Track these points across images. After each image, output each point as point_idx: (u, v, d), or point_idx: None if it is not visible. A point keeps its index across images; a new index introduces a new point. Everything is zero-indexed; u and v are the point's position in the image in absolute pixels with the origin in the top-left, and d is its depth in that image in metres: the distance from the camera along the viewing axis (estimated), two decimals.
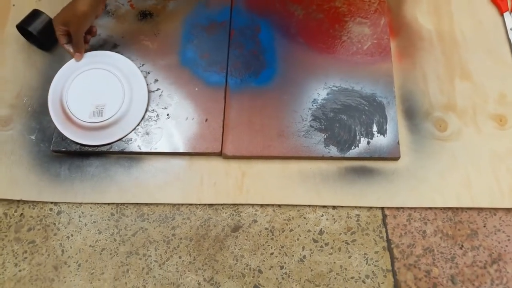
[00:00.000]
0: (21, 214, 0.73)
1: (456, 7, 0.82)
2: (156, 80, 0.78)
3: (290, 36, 0.80)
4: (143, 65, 0.80)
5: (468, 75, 0.76)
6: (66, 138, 0.74)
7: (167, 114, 0.76)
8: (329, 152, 0.71)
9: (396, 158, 0.71)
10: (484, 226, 0.68)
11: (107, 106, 0.73)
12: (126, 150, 0.74)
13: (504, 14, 0.80)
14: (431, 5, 0.83)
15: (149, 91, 0.77)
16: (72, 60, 0.77)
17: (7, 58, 0.84)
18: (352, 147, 0.71)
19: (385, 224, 0.69)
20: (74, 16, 0.71)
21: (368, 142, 0.71)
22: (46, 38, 0.81)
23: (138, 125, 0.75)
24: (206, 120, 0.75)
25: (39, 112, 0.79)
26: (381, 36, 0.79)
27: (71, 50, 0.76)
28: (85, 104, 0.73)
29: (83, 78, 0.75)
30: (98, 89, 0.74)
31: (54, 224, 0.72)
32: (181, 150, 0.73)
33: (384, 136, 0.71)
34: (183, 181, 0.73)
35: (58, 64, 0.82)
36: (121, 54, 0.80)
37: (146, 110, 0.76)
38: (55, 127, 0.75)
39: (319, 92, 0.76)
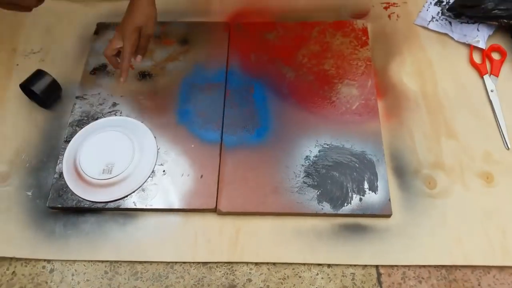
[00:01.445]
0: (13, 272, 0.72)
1: (438, 69, 0.87)
2: (154, 137, 0.81)
3: (282, 96, 0.84)
4: (142, 122, 0.82)
5: (454, 134, 0.80)
6: (63, 194, 0.76)
7: (163, 171, 0.78)
8: (322, 208, 0.72)
9: (388, 215, 0.72)
10: (479, 285, 0.68)
11: (117, 164, 0.76)
12: (122, 206, 0.75)
13: (484, 76, 0.85)
14: (415, 67, 0.88)
15: (158, 152, 0.79)
16: (90, 124, 0.82)
17: (9, 115, 0.86)
18: (345, 204, 0.73)
19: (380, 282, 0.69)
20: (150, 18, 0.73)
21: (360, 199, 0.73)
22: (47, 97, 0.84)
23: (145, 182, 0.76)
24: (201, 176, 0.77)
25: (36, 169, 0.80)
26: (369, 96, 0.83)
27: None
28: (96, 162, 0.76)
29: (98, 139, 0.79)
30: (110, 149, 0.78)
31: (46, 282, 0.71)
32: (176, 207, 0.74)
33: (375, 193, 0.73)
34: (177, 238, 0.73)
35: (58, 122, 0.85)
36: (121, 112, 0.84)
37: (153, 170, 0.77)
38: (53, 183, 0.76)
39: (311, 149, 0.78)
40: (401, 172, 0.77)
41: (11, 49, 0.95)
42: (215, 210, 0.74)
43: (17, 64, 0.93)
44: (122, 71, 0.76)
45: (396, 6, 0.97)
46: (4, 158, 0.81)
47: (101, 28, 0.96)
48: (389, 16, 0.96)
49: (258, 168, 0.77)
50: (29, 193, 0.78)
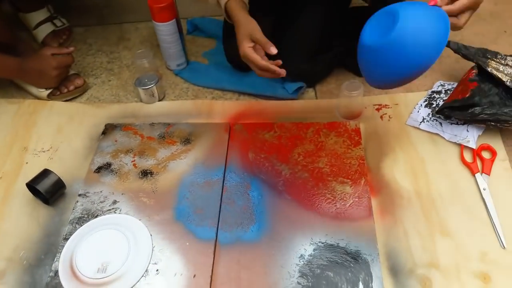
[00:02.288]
0: None
1: (430, 168, 0.89)
2: (150, 235, 0.82)
3: (278, 193, 0.86)
4: (140, 220, 0.84)
5: (448, 233, 0.79)
6: None
7: (157, 270, 0.77)
8: None
9: None
10: None
11: (112, 263, 0.76)
12: None
13: (476, 175, 0.87)
14: (408, 166, 0.90)
15: (153, 251, 0.80)
16: (89, 223, 0.84)
17: (12, 211, 0.89)
18: None
19: None
20: (255, 28, 0.85)
21: None
22: (51, 195, 0.88)
23: (137, 282, 0.76)
24: (194, 276, 0.76)
25: (33, 266, 0.80)
26: (362, 194, 0.84)
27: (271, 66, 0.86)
28: (92, 261, 0.77)
29: (95, 238, 0.80)
30: (106, 248, 0.79)
31: None
32: None
33: None
34: None
35: (59, 218, 0.87)
36: (120, 210, 0.86)
37: (147, 269, 0.77)
38: (47, 282, 0.76)
39: (305, 248, 0.78)
40: (396, 271, 0.75)
41: (23, 147, 1.01)
42: None
43: (27, 162, 0.98)
44: (274, 70, 0.86)
45: (388, 107, 1.03)
46: (3, 255, 0.82)
47: (108, 129, 1.02)
48: (381, 117, 1.01)
49: (252, 267, 0.76)
50: None
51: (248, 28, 0.86)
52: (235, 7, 0.88)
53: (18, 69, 1.07)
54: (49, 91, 1.12)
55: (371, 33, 0.70)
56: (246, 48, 0.86)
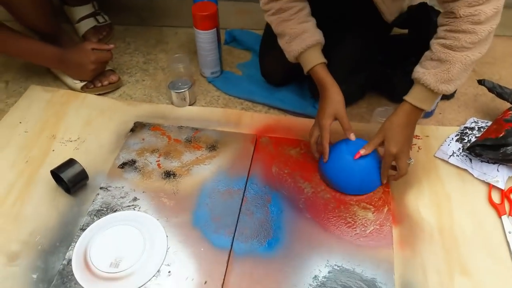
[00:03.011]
0: None
1: (456, 204, 0.87)
2: (166, 237, 0.82)
3: (298, 210, 0.85)
4: (158, 220, 0.84)
5: (468, 273, 0.77)
6: (67, 282, 0.75)
7: (169, 271, 0.77)
8: None
9: None
10: None
11: (125, 259, 0.77)
12: None
13: (502, 217, 0.84)
14: (433, 200, 0.88)
15: (167, 252, 0.80)
16: (107, 216, 0.84)
17: (34, 196, 0.90)
18: None
19: None
20: (340, 104, 0.86)
21: None
22: (74, 185, 0.89)
23: (148, 281, 0.75)
24: (205, 282, 0.75)
25: (47, 252, 0.81)
26: (384, 222, 0.83)
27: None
28: (106, 254, 0.77)
29: (111, 232, 0.81)
30: (121, 243, 0.79)
31: None
32: None
33: None
34: None
35: (78, 208, 0.88)
36: (139, 207, 0.86)
37: (159, 270, 0.77)
38: (60, 270, 0.77)
39: (320, 269, 0.76)
40: None
41: (51, 135, 1.03)
42: None
43: (53, 150, 0.99)
44: (324, 154, 0.88)
45: (419, 138, 1.02)
46: (19, 237, 0.83)
47: (137, 127, 1.04)
48: (410, 147, 0.99)
49: (264, 281, 0.75)
50: (34, 276, 0.78)
51: (337, 103, 0.87)
52: (322, 71, 0.89)
53: (58, 59, 1.10)
54: (83, 83, 1.14)
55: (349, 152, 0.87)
56: (327, 124, 0.86)
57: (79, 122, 1.07)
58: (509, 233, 0.82)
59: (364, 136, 0.94)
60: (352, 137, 0.87)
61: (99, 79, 1.15)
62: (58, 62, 1.11)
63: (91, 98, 1.14)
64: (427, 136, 1.02)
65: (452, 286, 0.75)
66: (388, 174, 0.86)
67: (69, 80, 1.16)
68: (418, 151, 0.99)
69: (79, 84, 1.14)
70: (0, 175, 0.94)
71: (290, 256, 0.78)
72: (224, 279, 0.76)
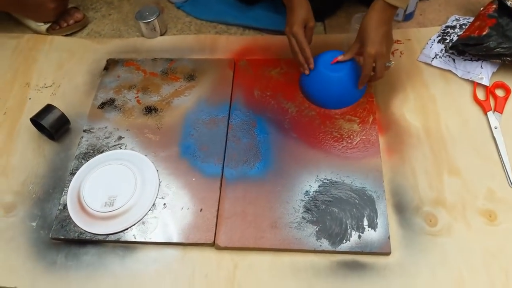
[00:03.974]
0: None
1: (441, 106, 0.87)
2: (157, 171, 0.82)
3: (284, 131, 0.85)
4: (146, 155, 0.84)
5: (456, 171, 0.79)
6: (66, 226, 0.77)
7: (164, 204, 0.78)
8: (320, 245, 0.71)
9: (387, 253, 0.71)
10: None
11: (119, 197, 0.77)
12: (122, 239, 0.75)
13: (488, 113, 0.85)
14: (418, 104, 0.88)
15: (159, 185, 0.80)
16: (95, 158, 0.84)
17: (18, 147, 0.89)
18: (344, 241, 0.71)
19: None
20: (309, 11, 0.83)
21: (359, 236, 0.72)
22: (56, 131, 0.87)
23: (145, 215, 0.77)
24: (201, 210, 0.77)
25: (42, 200, 0.82)
26: (370, 132, 0.83)
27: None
28: (99, 195, 0.78)
29: (101, 172, 0.81)
30: (113, 182, 0.79)
31: None
32: (174, 240, 0.74)
33: (374, 230, 0.72)
34: (175, 273, 0.73)
35: (65, 154, 0.87)
36: (125, 146, 0.85)
37: (154, 203, 0.78)
38: (57, 215, 0.78)
39: (311, 184, 0.78)
40: (402, 209, 0.76)
41: (25, 83, 0.99)
42: (213, 245, 0.74)
43: (30, 98, 0.96)
44: (308, 62, 0.86)
45: (400, 43, 0.99)
46: (12, 188, 0.83)
47: (110, 64, 1.00)
48: (392, 52, 0.97)
49: (257, 202, 0.77)
50: (34, 224, 0.79)
51: (307, 12, 0.83)
52: None
53: (14, 1, 1.03)
54: (48, 25, 1.08)
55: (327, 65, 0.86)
56: (299, 29, 0.83)
57: (51, 66, 1.02)
58: (495, 128, 0.82)
59: (343, 47, 0.91)
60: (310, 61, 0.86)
61: (63, 19, 1.09)
62: (15, 5, 1.04)
63: (58, 40, 1.08)
64: (409, 39, 0.99)
65: (441, 185, 0.77)
66: (367, 80, 0.83)
67: (32, 23, 1.09)
68: (400, 56, 0.97)
69: (43, 27, 1.08)
70: None
71: (280, 176, 0.79)
72: (218, 205, 0.77)
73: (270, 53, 0.99)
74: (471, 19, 0.97)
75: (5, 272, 0.74)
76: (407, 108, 0.88)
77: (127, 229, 0.76)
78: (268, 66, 0.95)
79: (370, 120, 0.85)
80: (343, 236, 0.72)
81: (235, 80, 0.94)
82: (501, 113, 0.84)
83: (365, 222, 0.73)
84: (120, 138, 0.87)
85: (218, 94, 0.92)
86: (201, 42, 1.04)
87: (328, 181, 0.78)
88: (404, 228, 0.73)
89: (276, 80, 0.93)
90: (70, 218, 0.78)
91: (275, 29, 1.05)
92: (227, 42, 1.03)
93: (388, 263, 0.70)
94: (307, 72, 0.86)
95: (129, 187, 0.79)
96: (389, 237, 0.71)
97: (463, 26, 0.97)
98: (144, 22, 1.03)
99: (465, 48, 0.90)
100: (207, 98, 0.91)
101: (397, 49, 0.98)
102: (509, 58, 0.86)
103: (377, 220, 0.73)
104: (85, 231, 0.76)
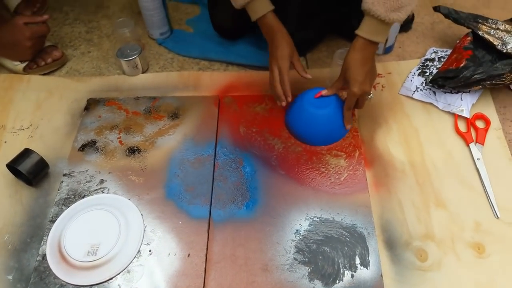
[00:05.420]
0: None
1: (424, 138, 0.88)
2: (141, 215, 0.79)
3: (271, 168, 0.84)
4: (129, 199, 0.81)
5: (443, 203, 0.79)
6: (45, 278, 0.73)
7: (149, 250, 0.75)
8: (314, 287, 0.70)
9: None
10: None
11: (102, 245, 0.74)
12: None
13: (470, 145, 0.86)
14: (401, 137, 0.89)
15: (144, 231, 0.78)
16: (76, 204, 0.81)
17: None
18: (337, 281, 0.70)
19: None
20: (291, 44, 0.84)
21: (352, 276, 0.70)
22: (34, 176, 0.84)
23: (130, 263, 0.74)
24: (189, 255, 0.74)
25: (19, 250, 0.78)
26: (357, 167, 0.83)
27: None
28: (81, 243, 0.75)
29: (83, 219, 0.78)
30: (96, 229, 0.76)
31: None
32: None
33: (367, 268, 0.71)
34: None
35: (44, 199, 0.84)
36: (108, 189, 0.83)
37: (139, 250, 0.75)
38: (35, 266, 0.74)
39: (301, 223, 0.77)
40: (392, 244, 0.75)
41: (0, 125, 0.96)
42: None
43: (5, 142, 0.93)
44: (286, 94, 0.84)
45: (381, 76, 1.00)
46: None
47: (91, 104, 0.97)
48: (374, 86, 0.98)
49: (247, 244, 0.75)
50: (10, 277, 0.75)
51: (291, 45, 0.85)
52: (272, 18, 0.85)
53: None
54: (24, 64, 1.06)
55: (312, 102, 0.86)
56: (286, 62, 0.84)
57: (28, 107, 0.99)
58: (478, 159, 0.84)
59: (326, 82, 0.92)
60: (309, 76, 0.85)
61: (41, 57, 1.07)
62: None
63: (36, 79, 1.06)
64: (389, 73, 1.01)
65: (429, 218, 0.78)
66: (350, 116, 0.84)
67: (8, 62, 1.06)
68: (382, 89, 0.98)
69: (20, 66, 1.06)
70: None
71: (270, 215, 0.78)
72: (207, 249, 0.75)
73: (254, 89, 1.00)
74: (449, 52, 1.00)
75: None
76: (391, 141, 0.88)
77: (111, 278, 0.73)
78: (253, 102, 0.95)
79: (356, 154, 0.85)
80: (336, 276, 0.71)
81: (220, 117, 0.93)
82: (483, 144, 0.86)
83: (357, 261, 0.72)
84: (102, 181, 0.84)
85: (203, 132, 0.91)
86: (185, 79, 1.04)
87: (318, 219, 0.77)
88: (396, 264, 0.73)
89: (262, 116, 0.93)
90: (50, 269, 0.74)
91: (259, 65, 1.05)
92: (211, 79, 1.03)
93: None
94: (284, 103, 0.85)
95: (112, 234, 0.76)
96: (381, 275, 0.70)
97: (442, 59, 1.00)
98: (125, 60, 1.01)
99: (444, 82, 0.92)
100: (192, 136, 0.90)
101: (379, 83, 0.99)
102: (488, 82, 0.88)
103: (369, 257, 0.72)
104: (67, 283, 0.72)
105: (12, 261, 0.77)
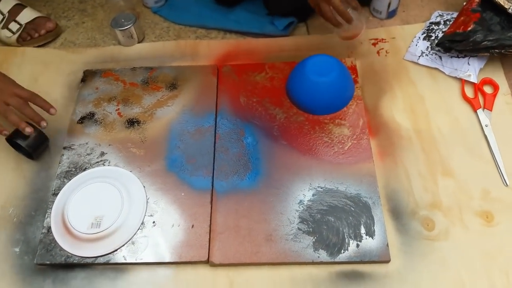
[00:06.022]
0: None
1: (430, 105, 0.86)
2: (143, 187, 0.79)
3: (273, 139, 0.83)
4: (131, 171, 0.81)
5: (450, 172, 0.78)
6: (51, 250, 0.73)
7: (153, 222, 0.75)
8: (318, 257, 0.70)
9: (386, 261, 0.69)
10: None
11: (105, 217, 0.74)
12: (112, 261, 0.72)
13: (477, 111, 0.84)
14: (407, 104, 0.87)
15: (147, 202, 0.77)
16: (77, 176, 0.80)
17: None
18: (342, 251, 0.70)
19: None
20: None
21: (357, 245, 0.70)
22: (34, 150, 0.83)
23: (134, 235, 0.74)
24: (193, 226, 0.74)
25: (24, 223, 0.78)
26: (361, 136, 0.81)
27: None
28: (85, 216, 0.74)
29: (85, 191, 0.77)
30: (98, 202, 0.76)
31: None
32: (167, 260, 0.71)
33: (372, 238, 0.71)
34: None
35: (46, 173, 0.83)
36: (109, 162, 0.82)
37: (143, 222, 0.75)
38: (41, 239, 0.74)
39: (304, 193, 0.76)
40: (398, 214, 0.74)
41: None
42: (207, 262, 0.71)
43: None
44: (347, 20, 0.80)
45: (385, 42, 0.97)
46: None
47: (88, 75, 0.95)
48: (377, 52, 0.95)
49: (250, 215, 0.74)
50: (17, 249, 0.75)
51: None
52: None
53: None
54: (17, 35, 1.02)
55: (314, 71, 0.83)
56: None
57: (24, 80, 0.95)
58: (486, 126, 0.82)
59: (329, 49, 0.89)
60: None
61: (34, 29, 1.03)
62: None
63: (31, 51, 1.03)
64: (393, 37, 0.98)
65: (436, 187, 0.76)
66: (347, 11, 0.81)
67: (2, 33, 1.03)
68: (386, 55, 0.95)
69: (13, 37, 1.03)
70: None
71: (273, 185, 0.77)
72: (210, 220, 0.75)
73: (254, 57, 0.97)
74: (455, 15, 0.97)
75: None
76: (396, 109, 0.86)
77: (116, 250, 0.73)
78: (253, 71, 0.92)
79: (360, 123, 0.83)
80: (341, 246, 0.70)
81: (220, 87, 0.91)
82: (491, 110, 0.84)
83: (363, 230, 0.71)
84: (102, 154, 0.83)
85: (203, 102, 0.89)
86: (182, 48, 1.01)
87: (322, 189, 0.76)
88: (402, 234, 0.72)
89: (262, 85, 0.90)
90: (55, 241, 0.74)
91: (257, 32, 1.02)
92: (209, 47, 1.00)
93: (387, 271, 0.69)
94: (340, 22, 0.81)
95: (115, 206, 0.75)
96: (387, 245, 0.70)
97: (447, 22, 0.96)
98: (120, 30, 0.98)
99: (451, 44, 0.89)
100: (191, 107, 0.88)
101: (383, 48, 0.96)
102: (497, 50, 0.85)
103: (374, 227, 0.71)
104: (72, 254, 0.73)
105: (18, 233, 0.77)
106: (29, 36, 1.03)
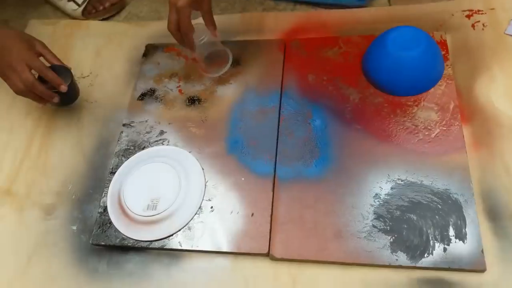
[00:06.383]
0: None
1: None
2: (202, 169, 0.73)
3: (345, 122, 0.74)
4: (190, 152, 0.76)
5: None
6: (106, 230, 0.70)
7: (211, 207, 0.70)
8: (397, 259, 0.60)
9: (481, 271, 0.59)
10: None
11: (162, 199, 0.70)
12: (167, 246, 0.68)
13: None
14: (508, 87, 0.74)
15: (206, 186, 0.72)
16: (136, 155, 0.77)
17: (57, 144, 0.84)
18: (425, 255, 0.60)
19: None
20: None
21: (445, 249, 0.60)
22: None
23: (191, 220, 0.69)
24: (252, 214, 0.68)
25: (82, 201, 0.76)
26: (451, 122, 0.70)
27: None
28: (141, 197, 0.71)
29: (143, 171, 0.74)
30: (155, 183, 0.72)
31: None
32: (224, 249, 0.66)
33: (463, 242, 0.60)
34: (226, 285, 0.65)
35: (104, 150, 0.81)
36: (168, 141, 0.78)
37: (200, 206, 0.70)
38: (97, 218, 0.72)
39: (381, 186, 0.67)
40: (496, 215, 0.63)
41: None
42: (268, 255, 0.65)
43: None
44: (190, 46, 0.74)
45: (482, 13, 0.83)
46: (52, 189, 0.78)
47: (149, 50, 0.91)
48: (473, 25, 0.82)
49: (317, 206, 0.67)
50: (74, 228, 0.74)
51: None
52: None
53: None
54: (82, 7, 1.01)
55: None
56: (187, 7, 0.69)
57: (88, 54, 0.96)
58: None
59: (414, 22, 0.78)
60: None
61: (99, 2, 1.02)
62: None
63: (95, 25, 1.01)
64: (492, 8, 0.84)
65: None
66: None
67: (67, 6, 1.03)
68: (483, 29, 0.82)
69: (78, 10, 1.02)
70: (19, 125, 0.87)
71: (343, 175, 0.69)
72: (272, 209, 0.68)
73: (325, 31, 0.87)
74: None
75: (47, 279, 0.70)
76: (495, 92, 0.73)
77: (172, 235, 0.69)
78: (324, 46, 0.83)
79: (451, 107, 0.71)
80: (424, 248, 0.61)
81: (286, 64, 0.83)
82: None
83: (451, 232, 0.61)
84: (162, 132, 0.79)
85: (267, 80, 0.81)
86: (247, 22, 0.94)
87: (402, 182, 0.66)
88: (502, 239, 0.61)
89: (334, 62, 0.81)
90: (111, 222, 0.71)
91: (331, 2, 0.92)
92: (276, 20, 0.92)
93: (481, 282, 0.59)
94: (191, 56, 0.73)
95: (173, 188, 0.71)
96: (482, 251, 0.59)
97: None
98: None
99: None
100: (255, 85, 0.81)
101: (479, 21, 0.83)
102: None
103: (466, 229, 0.61)
104: (127, 237, 0.70)
105: (76, 211, 0.76)
106: (94, 9, 1.02)
